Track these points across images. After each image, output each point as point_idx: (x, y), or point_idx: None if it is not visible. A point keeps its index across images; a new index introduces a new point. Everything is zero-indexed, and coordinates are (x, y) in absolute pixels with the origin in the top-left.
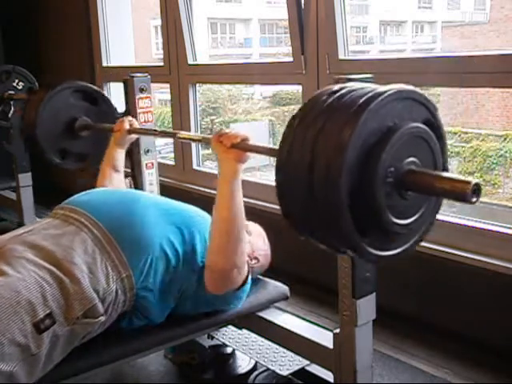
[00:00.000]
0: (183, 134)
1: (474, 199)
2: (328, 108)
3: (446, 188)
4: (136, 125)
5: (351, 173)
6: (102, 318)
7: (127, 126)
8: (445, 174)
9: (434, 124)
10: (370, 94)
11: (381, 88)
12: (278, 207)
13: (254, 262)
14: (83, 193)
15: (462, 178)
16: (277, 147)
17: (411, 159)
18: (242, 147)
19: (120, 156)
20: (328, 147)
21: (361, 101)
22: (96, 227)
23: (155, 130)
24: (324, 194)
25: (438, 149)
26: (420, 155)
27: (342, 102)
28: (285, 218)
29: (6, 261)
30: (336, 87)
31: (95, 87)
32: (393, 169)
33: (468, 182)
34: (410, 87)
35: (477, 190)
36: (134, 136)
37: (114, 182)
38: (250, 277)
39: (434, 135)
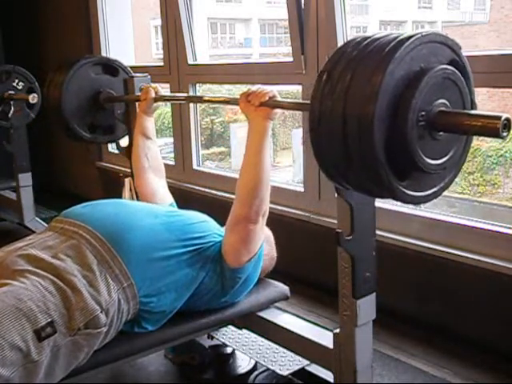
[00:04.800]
0: (209, 97)
1: (505, 133)
2: (354, 60)
3: (477, 125)
4: (161, 92)
5: (383, 120)
6: (104, 329)
7: (153, 94)
8: (474, 112)
9: (459, 63)
10: (394, 43)
11: (404, 34)
12: (278, 207)
13: None
14: (82, 204)
15: (491, 113)
16: (306, 101)
17: (441, 101)
18: (271, 104)
19: (149, 124)
20: (358, 98)
21: (386, 49)
22: (95, 238)
23: (181, 96)
24: (358, 143)
25: (466, 88)
26: (449, 96)
27: (367, 53)
28: (322, 169)
29: (8, 274)
30: (359, 38)
31: (113, 58)
32: (424, 113)
33: (498, 118)
34: (433, 30)
35: (507, 125)
36: (160, 103)
37: (149, 149)
38: (263, 245)
39: (461, 75)
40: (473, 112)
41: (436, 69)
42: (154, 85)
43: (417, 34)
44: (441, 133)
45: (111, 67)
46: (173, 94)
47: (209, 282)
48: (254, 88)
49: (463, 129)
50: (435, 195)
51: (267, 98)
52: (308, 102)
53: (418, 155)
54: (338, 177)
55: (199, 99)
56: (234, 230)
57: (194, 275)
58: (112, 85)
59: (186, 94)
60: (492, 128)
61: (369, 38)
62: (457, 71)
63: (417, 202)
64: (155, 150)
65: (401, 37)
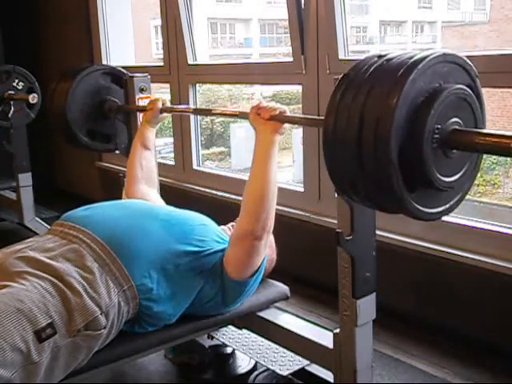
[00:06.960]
0: (219, 110)
1: None
2: (376, 70)
3: (490, 144)
4: (168, 104)
5: (400, 130)
6: (104, 331)
7: (160, 106)
8: (486, 131)
9: (473, 89)
10: (416, 57)
11: (426, 52)
12: (278, 207)
13: None
14: (83, 207)
15: (504, 133)
16: (318, 117)
17: (455, 119)
18: (281, 119)
19: (151, 134)
20: (377, 107)
21: (409, 62)
22: (95, 242)
23: (189, 109)
24: (374, 151)
25: (479, 111)
26: (462, 116)
27: (389, 64)
28: (333, 182)
29: (8, 275)
30: (382, 52)
31: (123, 70)
32: (439, 126)
33: (510, 137)
34: (454, 52)
35: None
36: (165, 115)
37: (145, 159)
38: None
39: (476, 99)
40: (485, 131)
41: (454, 87)
42: (162, 97)
43: (439, 51)
44: (454, 151)
45: (119, 78)
46: (180, 106)
47: (209, 291)
48: (265, 102)
49: (476, 147)
50: (444, 213)
51: (277, 113)
52: (321, 117)
53: (432, 170)
54: (349, 190)
55: (208, 112)
56: (239, 244)
57: (194, 283)
58: (117, 94)
59: (193, 107)
60: (504, 147)
61: (390, 53)
62: (473, 94)
63: (426, 218)
64: (151, 161)
65: (424, 52)
